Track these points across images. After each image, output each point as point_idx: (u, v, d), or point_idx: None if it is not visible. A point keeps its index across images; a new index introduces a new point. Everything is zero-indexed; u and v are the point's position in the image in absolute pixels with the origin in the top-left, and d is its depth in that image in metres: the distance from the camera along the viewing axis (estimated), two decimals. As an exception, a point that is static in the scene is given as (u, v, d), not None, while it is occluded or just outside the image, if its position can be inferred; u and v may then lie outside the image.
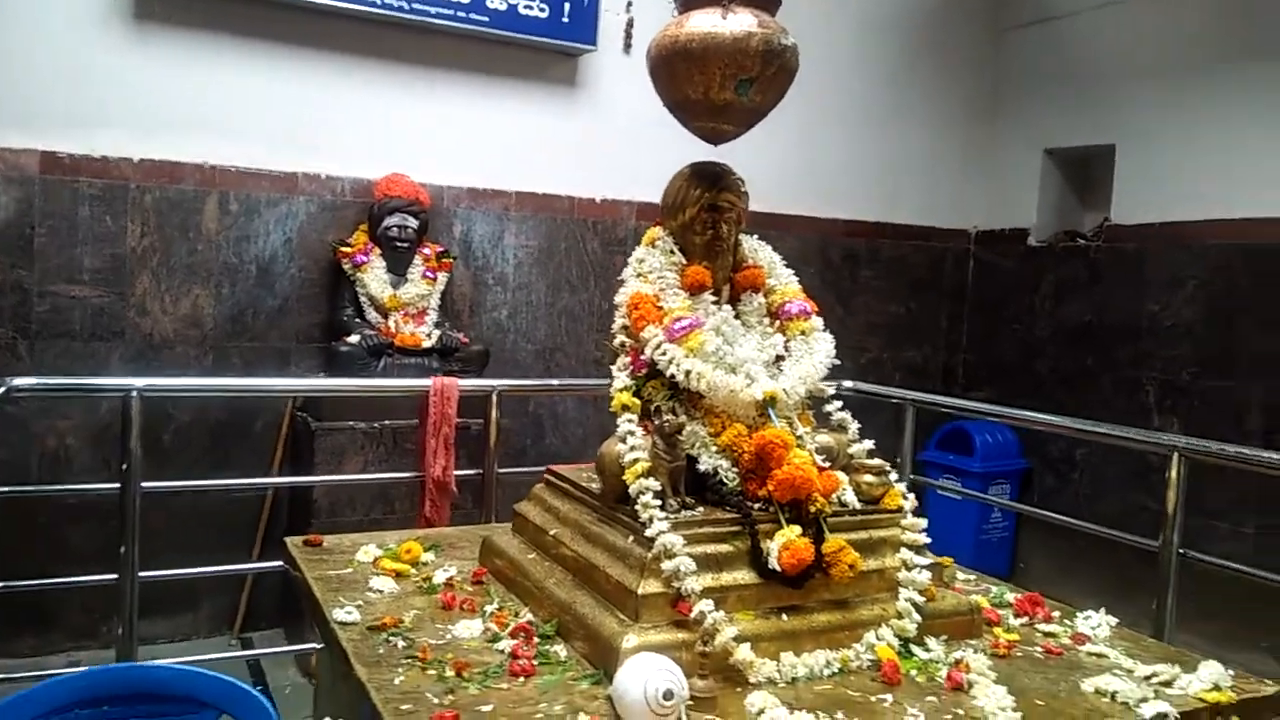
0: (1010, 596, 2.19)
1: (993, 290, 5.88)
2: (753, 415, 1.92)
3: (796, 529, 1.79)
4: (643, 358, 1.95)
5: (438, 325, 4.26)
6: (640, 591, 1.68)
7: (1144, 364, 4.98)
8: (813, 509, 1.81)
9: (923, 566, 1.88)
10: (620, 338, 2.01)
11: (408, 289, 4.18)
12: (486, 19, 4.38)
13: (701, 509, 1.84)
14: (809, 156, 5.34)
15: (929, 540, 1.93)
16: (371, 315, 4.17)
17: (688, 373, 1.88)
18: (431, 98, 4.49)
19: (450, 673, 1.64)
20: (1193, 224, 4.78)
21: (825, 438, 2.04)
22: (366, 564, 2.18)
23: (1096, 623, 2.05)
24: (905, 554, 1.90)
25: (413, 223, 4.23)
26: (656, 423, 1.80)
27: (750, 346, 2.00)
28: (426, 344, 4.14)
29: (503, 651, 1.73)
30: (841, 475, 1.96)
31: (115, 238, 3.99)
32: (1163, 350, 4.90)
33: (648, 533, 1.71)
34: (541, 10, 4.48)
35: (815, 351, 2.03)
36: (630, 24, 4.87)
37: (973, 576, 2.34)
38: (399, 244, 4.20)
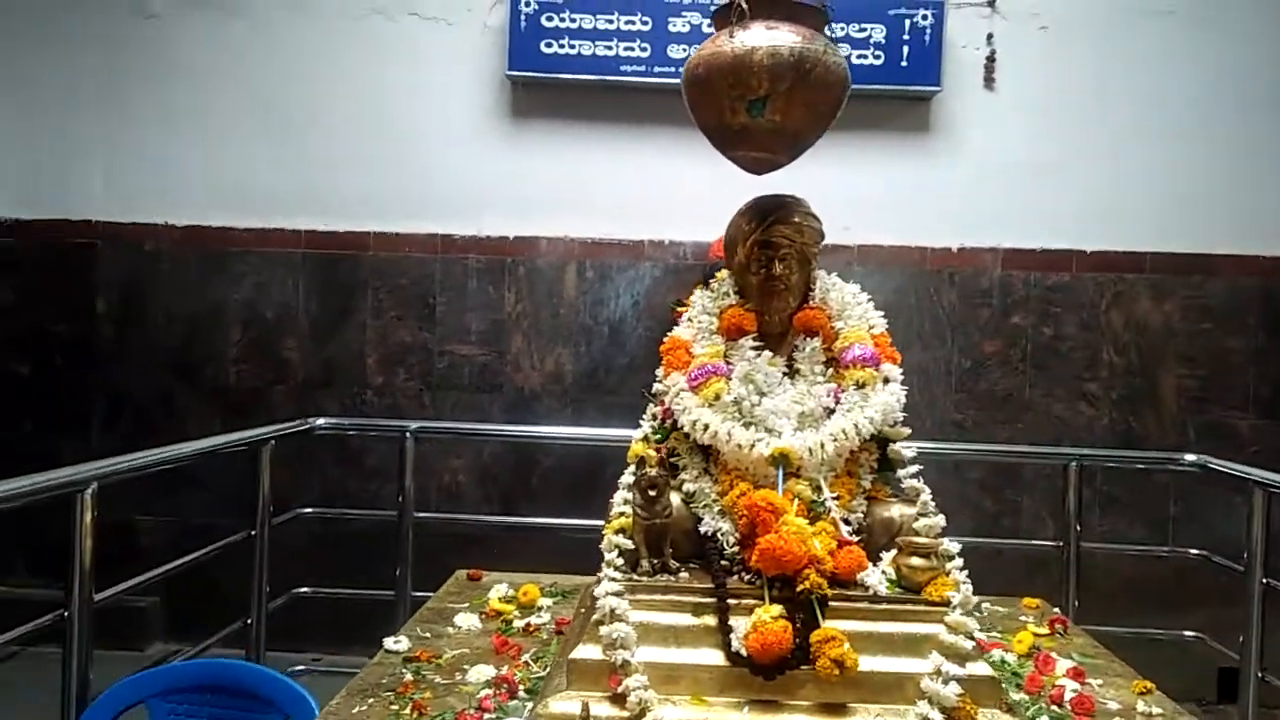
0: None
1: None
2: (768, 474, 1.70)
3: (777, 609, 1.54)
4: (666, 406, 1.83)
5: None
6: (572, 655, 1.58)
7: None
8: (801, 587, 1.55)
9: (958, 677, 1.50)
10: (657, 385, 1.91)
11: (738, 345, 4.25)
12: (819, 74, 4.32)
13: (687, 574, 1.67)
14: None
15: (973, 642, 1.53)
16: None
17: (694, 423, 1.74)
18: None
19: (407, 711, 1.69)
20: None
21: (895, 509, 1.73)
22: (488, 600, 2.31)
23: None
24: (937, 659, 1.52)
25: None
26: (635, 476, 1.69)
27: (786, 398, 1.77)
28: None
29: (477, 699, 1.74)
30: (890, 553, 1.65)
31: (496, 305, 4.64)
32: None
33: (594, 592, 1.61)
34: (877, 57, 4.31)
35: (868, 405, 1.73)
36: (992, 57, 4.45)
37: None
38: (729, 303, 4.28)
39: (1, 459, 3.61)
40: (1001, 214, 4.44)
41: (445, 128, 4.62)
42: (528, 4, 4.44)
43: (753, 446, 1.68)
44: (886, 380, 1.78)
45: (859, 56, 4.32)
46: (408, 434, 3.21)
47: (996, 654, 1.97)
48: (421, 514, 3.40)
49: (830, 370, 1.85)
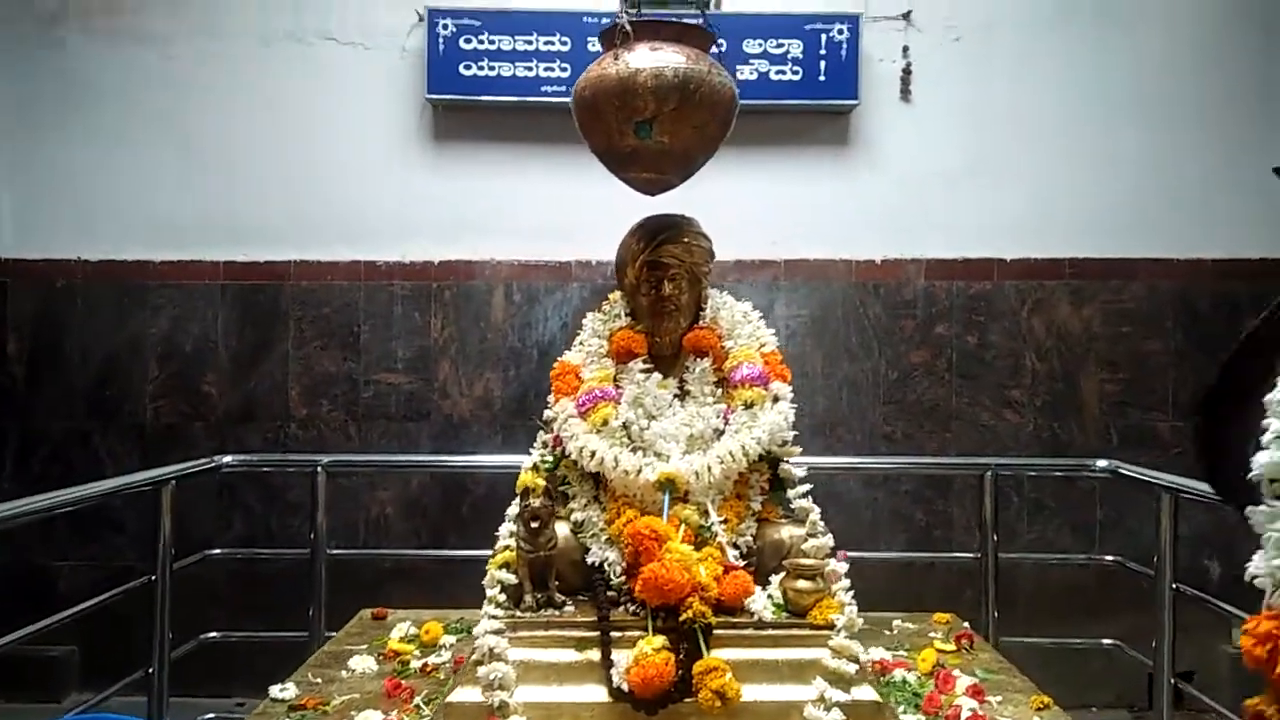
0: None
1: None
2: (656, 500, 1.66)
3: (660, 641, 1.50)
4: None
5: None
6: (449, 699, 1.53)
7: None
8: (684, 616, 1.51)
9: (841, 704, 1.47)
10: (547, 412, 1.87)
11: (662, 365, 4.22)
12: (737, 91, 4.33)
13: (573, 607, 1.62)
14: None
15: (857, 666, 1.50)
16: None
17: (580, 449, 1.69)
18: (696, 177, 4.52)
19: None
20: None
21: (785, 531, 1.70)
22: (387, 640, 2.24)
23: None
24: (821, 685, 1.49)
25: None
26: (519, 508, 1.64)
27: (675, 421, 1.74)
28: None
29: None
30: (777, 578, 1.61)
31: (422, 331, 4.57)
32: None
33: (474, 631, 1.56)
34: (795, 73, 4.33)
35: (756, 425, 1.70)
36: (908, 69, 4.49)
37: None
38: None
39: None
40: (923, 225, 4.47)
41: (366, 153, 4.55)
42: (445, 26, 4.40)
43: (639, 472, 1.65)
44: (776, 399, 1.76)
45: (777, 72, 4.33)
46: (319, 468, 3.13)
47: (899, 674, 1.95)
48: (335, 551, 3.31)
49: (722, 390, 1.81)
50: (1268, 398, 1.21)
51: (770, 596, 1.60)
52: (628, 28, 1.72)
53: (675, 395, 1.82)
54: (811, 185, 4.52)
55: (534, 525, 1.59)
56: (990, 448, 4.41)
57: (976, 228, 4.46)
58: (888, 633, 2.34)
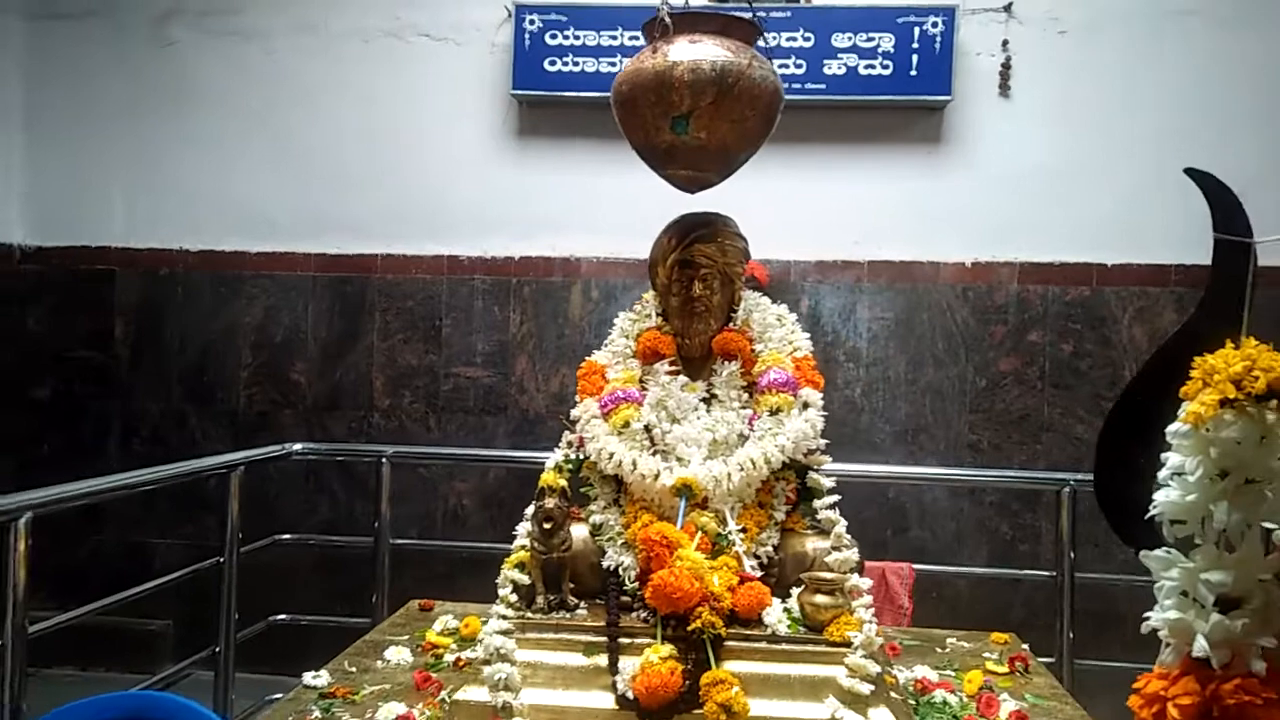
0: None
1: None
2: (675, 505, 1.61)
3: (667, 650, 1.46)
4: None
5: (767, 403, 4.14)
6: (456, 696, 1.52)
7: None
8: (693, 625, 1.46)
9: (853, 728, 1.39)
10: (574, 411, 1.84)
11: (737, 366, 4.15)
12: (824, 86, 4.22)
13: (585, 611, 1.59)
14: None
15: (873, 686, 1.42)
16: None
17: (600, 451, 1.66)
18: (775, 173, 4.40)
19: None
20: None
21: (810, 543, 1.63)
22: (427, 632, 2.25)
23: None
24: (833, 704, 1.42)
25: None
26: (534, 508, 1.61)
27: (698, 425, 1.68)
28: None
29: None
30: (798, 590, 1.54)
31: (501, 325, 4.61)
32: None
33: (482, 631, 1.54)
34: (885, 67, 4.19)
35: (781, 432, 1.63)
36: (1007, 64, 4.29)
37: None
38: (732, 321, 4.20)
39: (20, 483, 3.69)
40: (1018, 226, 4.27)
41: (452, 148, 4.61)
42: (532, 22, 4.42)
43: (657, 476, 1.60)
44: (806, 405, 1.68)
45: (866, 66, 4.21)
46: (383, 459, 3.17)
47: (940, 694, 1.85)
48: (399, 540, 3.36)
49: (749, 396, 1.75)
50: (1168, 429, 1.12)
51: (787, 610, 1.53)
52: (667, 20, 1.68)
53: (702, 399, 1.76)
54: (901, 184, 4.37)
55: (547, 526, 1.56)
56: (1084, 462, 4.19)
57: (1074, 231, 4.24)
58: (940, 650, 2.23)
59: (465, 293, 4.60)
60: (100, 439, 4.72)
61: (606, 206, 4.54)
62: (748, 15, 1.80)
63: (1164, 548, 1.16)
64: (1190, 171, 1.39)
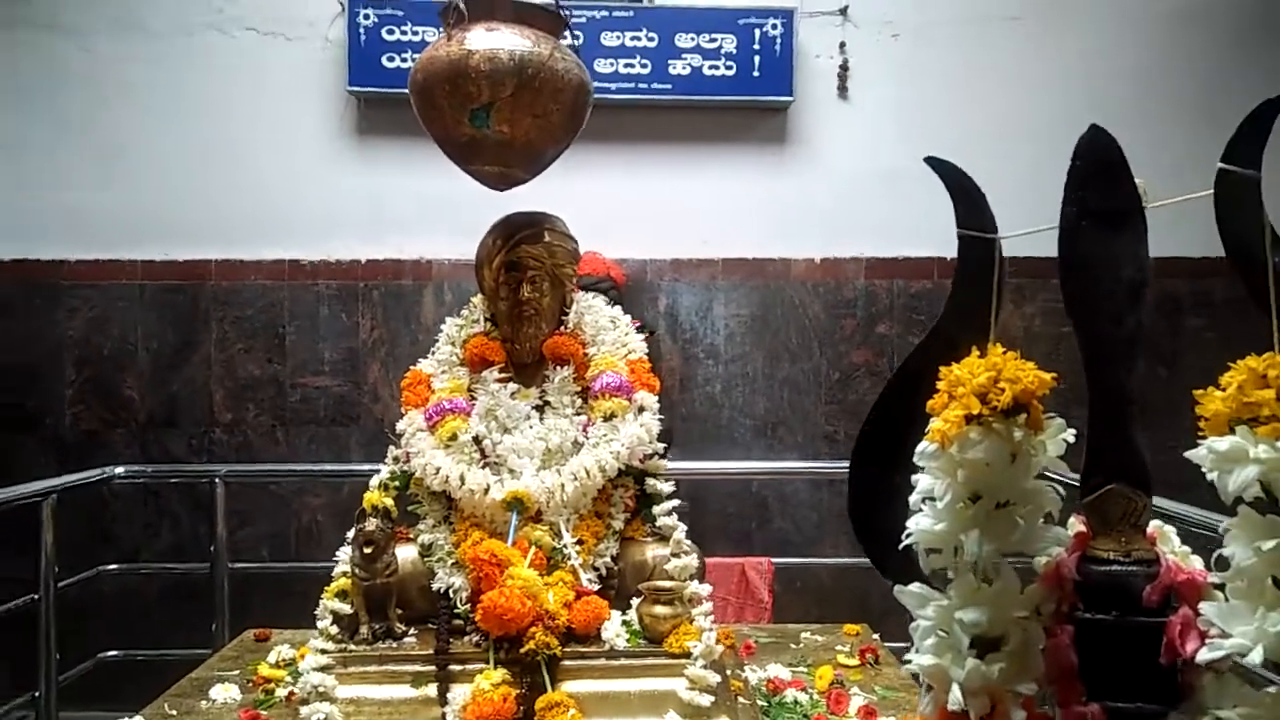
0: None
1: None
2: (507, 520, 1.54)
3: (499, 675, 1.39)
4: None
5: (626, 403, 4.11)
6: (271, 739, 1.41)
7: None
8: (526, 647, 1.40)
9: (694, 741, 1.36)
10: (400, 424, 1.75)
11: (596, 367, 4.11)
12: (669, 86, 4.22)
13: (414, 638, 1.51)
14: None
15: (714, 697, 1.39)
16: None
17: (425, 466, 1.58)
18: (626, 173, 4.40)
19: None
20: None
21: (650, 551, 1.59)
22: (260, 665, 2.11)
23: None
24: (673, 718, 1.38)
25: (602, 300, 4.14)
26: (354, 531, 1.52)
27: (530, 434, 1.62)
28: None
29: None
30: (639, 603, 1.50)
31: (350, 332, 4.43)
32: None
33: (300, 666, 1.44)
34: (729, 68, 4.22)
35: (616, 439, 1.59)
36: (845, 66, 4.39)
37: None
38: (589, 322, 4.14)
39: None
40: (863, 223, 4.37)
41: (289, 148, 4.40)
42: (366, 17, 4.26)
43: (486, 490, 1.53)
44: (641, 409, 1.64)
45: (710, 67, 4.22)
46: (217, 479, 2.99)
47: (790, 693, 1.84)
48: (236, 564, 3.18)
49: (583, 402, 1.70)
50: (918, 448, 1.01)
51: (626, 623, 1.49)
52: (462, 7, 1.60)
53: (535, 407, 1.70)
54: (748, 183, 4.41)
55: (368, 550, 1.47)
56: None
57: (916, 226, 4.35)
58: (794, 646, 2.24)
59: (309, 299, 4.41)
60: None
61: (458, 206, 4.39)
62: (550, 5, 1.73)
63: (917, 582, 1.03)
64: (930, 160, 1.27)
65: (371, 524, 1.48)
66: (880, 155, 4.37)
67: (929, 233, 4.37)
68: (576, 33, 4.01)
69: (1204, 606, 0.91)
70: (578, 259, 1.82)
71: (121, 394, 4.36)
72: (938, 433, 0.98)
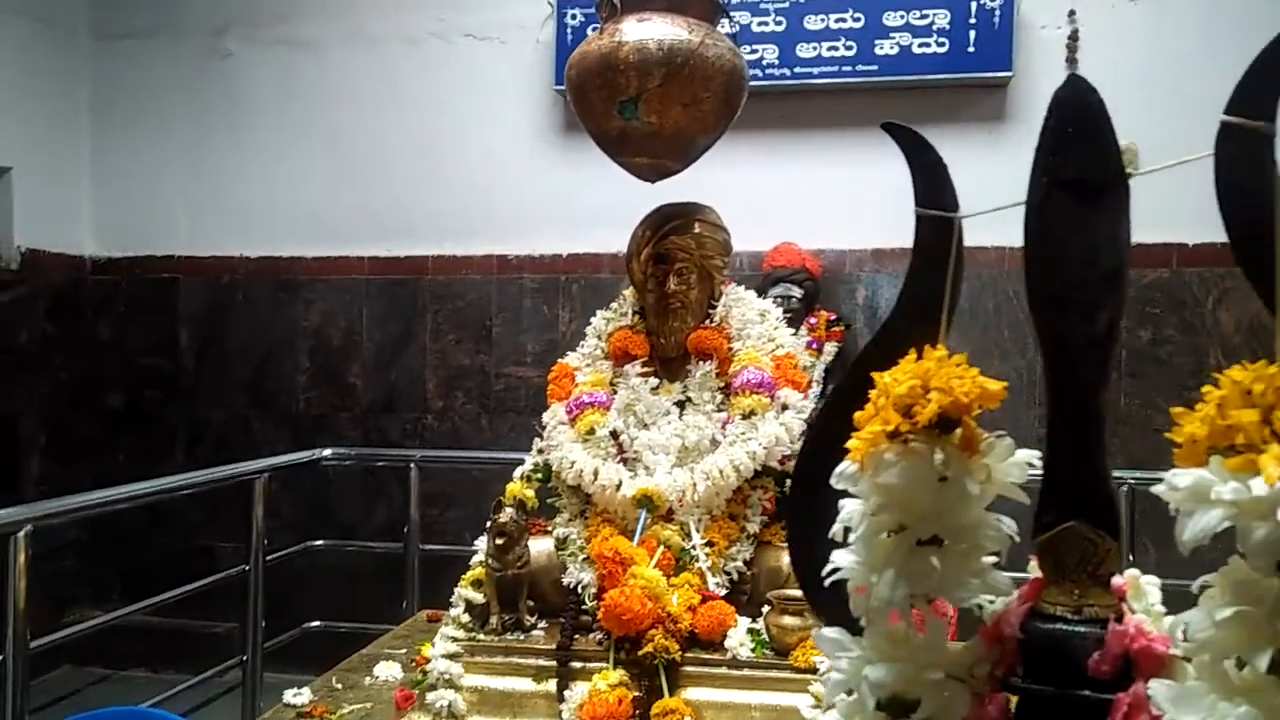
0: None
1: None
2: (636, 517, 1.50)
3: (617, 676, 1.35)
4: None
5: (820, 397, 3.98)
6: (399, 723, 1.44)
7: None
8: (644, 650, 1.35)
9: (817, 766, 1.26)
10: (544, 416, 1.74)
11: (790, 361, 3.99)
12: (875, 67, 4.02)
13: (543, 631, 1.49)
14: None
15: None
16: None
17: (561, 460, 1.56)
18: (827, 160, 4.24)
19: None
20: None
21: (786, 557, 1.49)
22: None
23: None
24: (796, 739, 1.29)
25: (796, 292, 4.01)
26: (490, 521, 1.52)
27: (668, 430, 1.56)
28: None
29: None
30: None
31: (550, 324, 4.54)
32: None
33: (428, 653, 1.45)
34: (940, 45, 3.96)
35: (753, 438, 1.50)
36: (1074, 36, 4.02)
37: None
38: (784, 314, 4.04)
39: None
40: (1089, 206, 3.99)
41: (499, 147, 4.56)
42: (574, 16, 4.34)
43: (618, 486, 1.49)
44: (785, 408, 1.55)
45: (920, 45, 3.99)
46: (411, 464, 3.14)
47: None
48: (427, 546, 3.32)
49: (725, 398, 1.63)
50: (837, 470, 0.83)
51: (752, 631, 1.41)
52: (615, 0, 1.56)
53: (676, 403, 1.64)
54: (962, 165, 3.98)
55: (500, 542, 1.47)
56: (1166, 457, 3.89)
57: (1152, 209, 3.89)
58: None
59: (514, 291, 4.56)
60: (168, 445, 4.83)
61: (653, 201, 4.42)
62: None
63: (841, 627, 0.84)
64: (888, 126, 1.04)
65: (505, 515, 1.49)
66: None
67: (1168, 216, 3.92)
68: (734, 18, 3.89)
69: (1153, 685, 0.72)
70: (729, 251, 1.75)
71: (346, 381, 4.68)
72: (855, 451, 0.82)
